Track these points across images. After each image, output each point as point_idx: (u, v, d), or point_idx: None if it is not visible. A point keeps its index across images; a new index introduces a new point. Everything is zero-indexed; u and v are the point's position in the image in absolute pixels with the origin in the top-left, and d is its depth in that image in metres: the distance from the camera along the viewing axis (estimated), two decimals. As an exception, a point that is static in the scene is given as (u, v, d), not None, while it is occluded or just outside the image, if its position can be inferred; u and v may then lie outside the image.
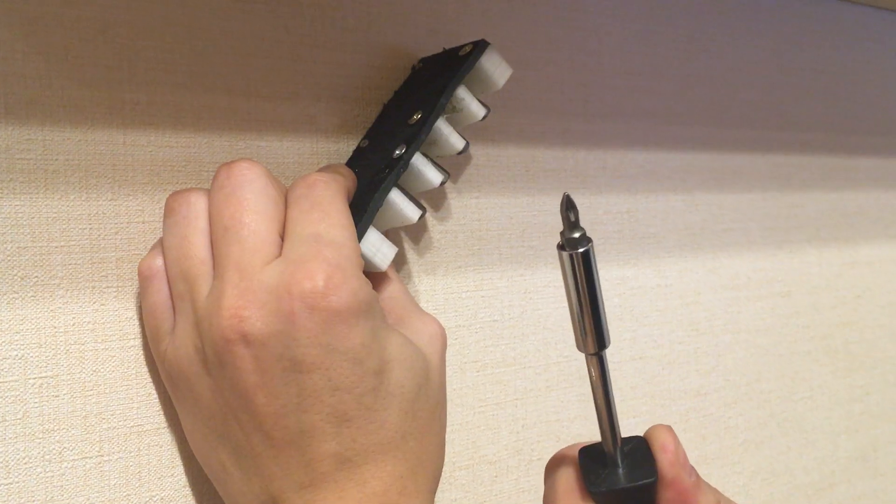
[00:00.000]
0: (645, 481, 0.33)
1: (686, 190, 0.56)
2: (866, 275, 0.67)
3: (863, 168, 0.67)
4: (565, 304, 0.49)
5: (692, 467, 0.33)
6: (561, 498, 0.34)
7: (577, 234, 0.30)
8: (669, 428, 0.34)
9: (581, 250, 0.30)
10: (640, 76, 0.54)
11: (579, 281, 0.30)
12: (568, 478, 0.34)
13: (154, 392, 0.37)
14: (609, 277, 0.52)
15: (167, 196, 0.35)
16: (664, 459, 0.33)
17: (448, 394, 0.45)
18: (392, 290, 0.37)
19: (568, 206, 0.30)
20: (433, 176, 0.38)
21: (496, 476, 0.46)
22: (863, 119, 0.68)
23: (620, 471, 0.33)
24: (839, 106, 0.66)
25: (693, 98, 0.56)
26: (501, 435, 0.47)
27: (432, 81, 0.40)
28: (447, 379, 0.44)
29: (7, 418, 0.34)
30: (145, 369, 0.37)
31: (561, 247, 0.30)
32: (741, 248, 0.59)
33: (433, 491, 0.34)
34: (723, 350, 0.57)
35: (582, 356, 0.48)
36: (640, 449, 0.34)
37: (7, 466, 0.33)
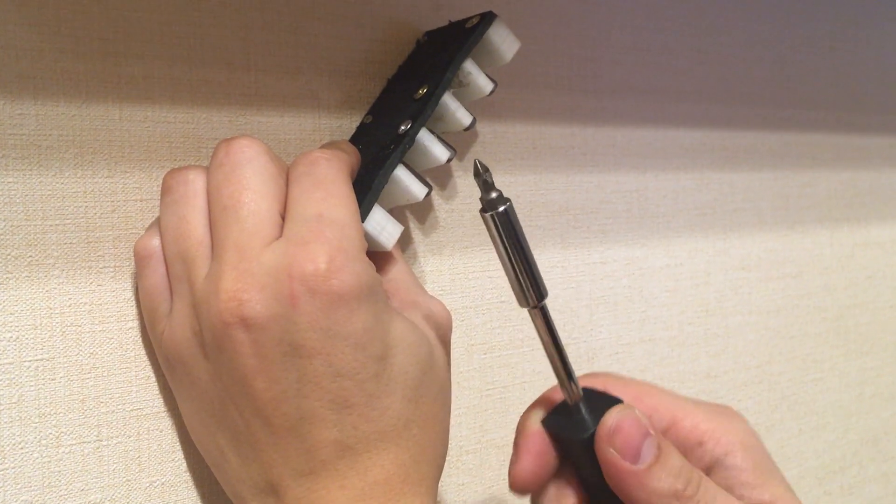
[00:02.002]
0: (578, 436, 0.33)
1: (696, 169, 0.55)
2: (878, 255, 0.66)
3: (875, 147, 0.66)
4: (574, 284, 0.48)
5: (650, 449, 0.32)
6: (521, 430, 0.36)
7: (494, 195, 0.31)
8: (623, 409, 0.33)
9: (501, 209, 0.31)
10: (651, 52, 0.52)
11: (506, 239, 0.31)
12: (536, 418, 0.36)
13: (153, 375, 0.36)
14: (618, 258, 0.51)
15: (164, 173, 0.34)
16: (599, 440, 0.33)
17: (455, 376, 0.44)
18: (396, 271, 0.36)
19: (482, 171, 0.31)
20: (440, 152, 0.37)
21: (503, 460, 0.46)
22: (875, 97, 0.66)
23: (576, 420, 0.34)
24: (851, 83, 0.65)
25: (704, 75, 0.55)
26: (509, 418, 0.46)
27: (438, 55, 0.39)
28: (453, 361, 0.44)
29: (2, 402, 0.33)
30: (144, 352, 0.36)
31: (483, 210, 0.31)
32: (752, 228, 0.58)
33: (437, 478, 0.33)
34: (733, 332, 0.56)
35: (595, 338, 0.48)
36: (606, 401, 0.34)
37: (3, 451, 0.33)
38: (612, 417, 0.32)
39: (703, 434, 0.35)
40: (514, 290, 0.33)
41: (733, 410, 0.37)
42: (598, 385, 0.36)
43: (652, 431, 0.32)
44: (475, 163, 0.31)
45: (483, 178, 0.31)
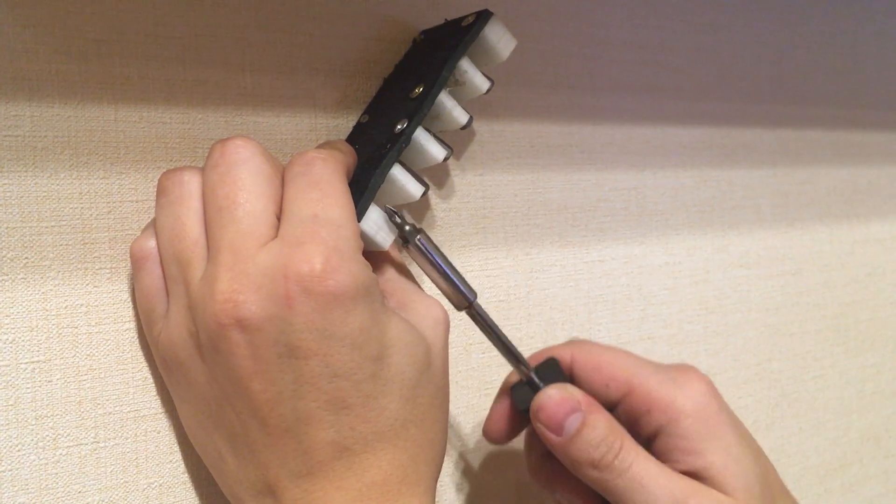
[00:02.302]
0: (522, 407, 0.39)
1: (695, 166, 0.55)
2: (878, 252, 0.66)
3: (874, 143, 0.66)
4: (572, 283, 0.48)
5: (573, 423, 0.36)
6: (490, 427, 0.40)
7: (408, 228, 0.35)
8: (552, 389, 0.37)
9: (418, 238, 0.35)
10: (649, 50, 0.52)
11: (428, 258, 0.36)
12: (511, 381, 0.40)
13: (150, 377, 0.36)
14: (616, 255, 0.51)
15: (160, 174, 0.34)
16: (531, 414, 0.38)
17: (453, 376, 0.44)
18: (393, 271, 0.36)
19: (392, 215, 0.35)
20: (436, 151, 0.37)
21: (502, 460, 0.46)
22: (874, 93, 0.66)
23: (526, 392, 0.39)
24: (850, 80, 0.64)
25: (702, 72, 0.55)
26: (507, 417, 0.46)
27: (434, 54, 0.39)
28: (452, 361, 0.44)
29: (-2, 404, 0.33)
30: (141, 353, 0.36)
31: (405, 243, 0.36)
32: (751, 225, 0.58)
33: (435, 478, 0.33)
34: (732, 329, 0.56)
35: (594, 336, 0.48)
36: (557, 368, 0.39)
37: (-1, 453, 0.33)
38: (539, 398, 0.37)
39: (651, 402, 0.37)
40: (449, 298, 0.37)
41: (693, 375, 0.38)
42: (568, 354, 0.40)
43: (581, 408, 0.36)
44: (385, 209, 0.35)
45: (394, 221, 0.35)
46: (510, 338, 0.39)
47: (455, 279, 0.36)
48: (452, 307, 0.37)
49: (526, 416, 0.39)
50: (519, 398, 0.39)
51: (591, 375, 0.38)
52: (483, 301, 0.45)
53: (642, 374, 0.38)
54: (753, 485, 0.36)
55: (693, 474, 0.36)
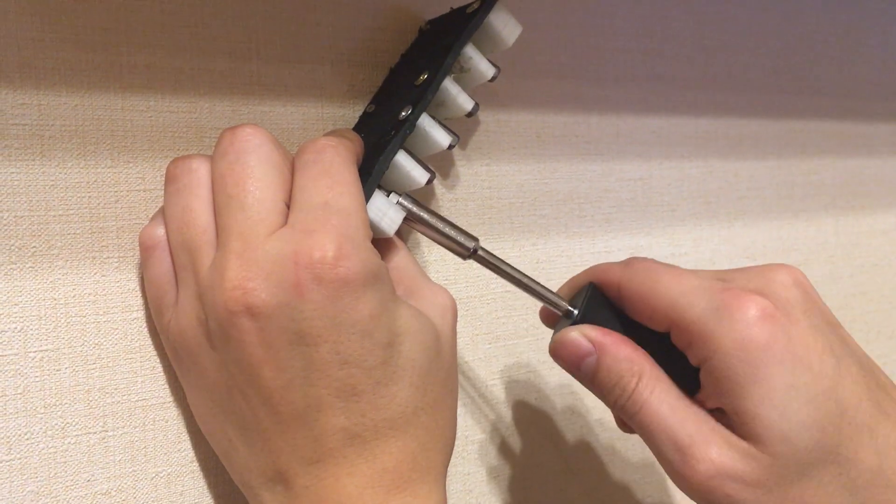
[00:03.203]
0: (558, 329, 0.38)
1: (701, 157, 0.55)
2: (884, 243, 0.66)
3: (880, 134, 0.66)
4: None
5: (588, 366, 0.36)
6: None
7: (395, 199, 0.35)
8: (565, 335, 0.36)
9: (397, 201, 0.35)
10: (655, 39, 0.52)
11: (419, 220, 0.36)
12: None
13: (159, 365, 0.36)
14: (622, 246, 0.50)
15: (168, 163, 0.34)
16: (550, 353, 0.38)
17: (460, 366, 0.44)
18: (400, 260, 0.36)
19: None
20: (441, 137, 0.37)
21: (510, 449, 0.46)
22: (881, 84, 0.66)
23: (568, 319, 0.38)
24: (857, 71, 0.64)
25: (708, 62, 0.55)
26: (514, 408, 0.46)
27: (439, 42, 0.38)
28: (459, 351, 0.44)
29: (7, 393, 0.33)
30: (149, 342, 0.36)
31: (401, 210, 0.35)
32: (757, 216, 0.58)
33: (445, 465, 0.33)
34: (738, 320, 0.56)
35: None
36: (592, 296, 0.38)
37: (9, 442, 0.33)
38: (554, 340, 0.37)
39: (691, 336, 0.34)
40: (450, 249, 0.36)
41: (745, 301, 0.33)
42: (614, 279, 0.37)
43: (594, 351, 0.36)
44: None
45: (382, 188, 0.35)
46: (529, 280, 0.38)
47: (450, 231, 0.36)
48: (457, 295, 0.37)
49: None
50: (555, 331, 0.39)
51: (636, 306, 0.36)
52: (490, 292, 0.45)
53: (684, 303, 0.34)
54: (799, 433, 0.32)
55: (723, 416, 0.34)
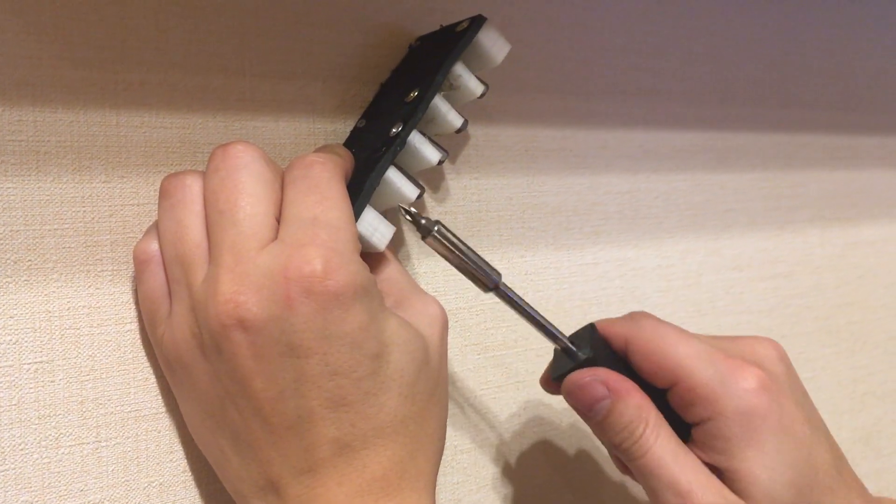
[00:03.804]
0: (560, 372, 0.39)
1: (688, 170, 0.55)
2: (869, 255, 0.67)
3: (865, 147, 0.67)
4: (566, 286, 0.49)
5: (601, 410, 0.37)
6: (542, 379, 0.42)
7: (423, 221, 0.35)
8: (585, 374, 0.38)
9: (436, 229, 0.35)
10: (642, 54, 0.53)
11: (451, 249, 0.36)
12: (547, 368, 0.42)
13: (152, 377, 0.36)
14: (610, 258, 0.51)
15: (162, 178, 0.35)
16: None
17: (450, 377, 0.44)
18: (390, 271, 0.37)
19: (406, 213, 0.36)
20: (431, 154, 0.37)
21: (498, 459, 0.46)
22: (865, 98, 0.67)
23: (572, 358, 0.39)
24: (842, 84, 0.65)
25: (695, 76, 0.56)
26: (504, 418, 0.46)
27: (429, 59, 0.39)
28: (448, 362, 0.44)
29: (2, 404, 0.33)
30: (142, 354, 0.36)
31: (424, 237, 0.36)
32: (743, 228, 0.58)
33: (434, 474, 0.33)
34: (726, 331, 0.57)
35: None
36: (595, 338, 0.39)
37: (3, 453, 0.33)
38: (569, 381, 0.38)
39: (695, 398, 0.37)
40: (474, 282, 0.37)
41: (747, 372, 0.37)
42: (623, 334, 0.39)
43: (609, 395, 0.37)
44: (399, 209, 0.36)
45: (408, 215, 0.36)
46: (543, 319, 0.39)
47: (479, 262, 0.37)
48: (447, 306, 0.37)
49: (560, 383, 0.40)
50: (555, 365, 0.40)
51: (642, 361, 0.38)
52: (479, 303, 0.46)
53: (692, 366, 0.37)
54: (781, 493, 0.36)
55: (717, 471, 0.37)
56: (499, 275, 0.37)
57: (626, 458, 0.37)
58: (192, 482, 0.37)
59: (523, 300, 0.38)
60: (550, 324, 0.39)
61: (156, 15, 0.36)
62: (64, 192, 0.35)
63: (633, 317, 0.40)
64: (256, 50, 0.39)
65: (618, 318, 0.41)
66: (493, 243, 0.46)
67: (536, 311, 0.39)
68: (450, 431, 0.44)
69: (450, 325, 0.44)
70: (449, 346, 0.44)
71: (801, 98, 0.62)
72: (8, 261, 0.34)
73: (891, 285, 0.68)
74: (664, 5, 0.54)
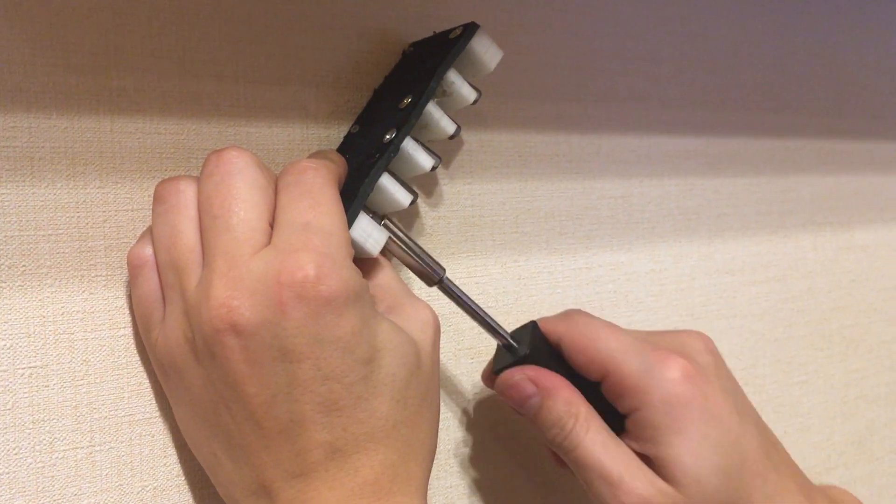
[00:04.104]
0: (499, 366, 0.40)
1: (681, 175, 0.56)
2: (861, 259, 0.67)
3: (857, 152, 0.67)
4: (560, 290, 0.49)
5: (532, 406, 0.39)
6: (483, 375, 0.43)
7: (371, 216, 0.36)
8: (515, 373, 0.39)
9: (382, 223, 0.37)
10: (634, 60, 0.53)
11: (396, 243, 0.37)
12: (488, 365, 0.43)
13: (146, 381, 0.36)
14: (603, 263, 0.51)
15: (156, 184, 0.35)
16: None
17: (442, 381, 0.44)
18: (383, 276, 0.37)
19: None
20: (424, 160, 0.38)
21: (491, 463, 0.46)
22: (858, 103, 0.67)
23: (512, 353, 0.40)
24: (834, 89, 0.66)
25: (688, 82, 0.56)
26: (497, 422, 0.47)
27: (423, 65, 0.39)
28: (441, 366, 0.44)
29: (-4, 409, 0.33)
30: (136, 358, 0.36)
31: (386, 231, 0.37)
32: (736, 232, 0.59)
33: (426, 477, 0.34)
34: (718, 335, 0.57)
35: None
36: (536, 335, 0.41)
37: (-3, 457, 0.33)
38: (502, 379, 0.40)
39: (623, 389, 0.38)
40: (420, 276, 0.39)
41: (672, 362, 0.39)
42: (557, 329, 0.41)
43: (538, 392, 0.39)
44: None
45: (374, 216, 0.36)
46: (485, 315, 0.40)
47: (424, 257, 0.38)
48: (440, 311, 0.38)
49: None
50: (497, 360, 0.41)
51: (575, 355, 0.40)
52: (472, 307, 0.46)
53: (620, 359, 0.39)
54: (708, 477, 0.37)
55: (648, 459, 0.38)
56: (443, 269, 0.38)
57: (560, 452, 0.39)
58: (186, 486, 0.37)
59: (467, 296, 0.40)
60: (493, 320, 0.40)
61: (150, 21, 0.37)
62: (58, 197, 0.35)
63: (569, 314, 0.42)
64: (250, 56, 0.39)
65: (555, 316, 0.42)
66: (487, 248, 0.46)
67: (480, 308, 0.40)
68: (443, 435, 0.45)
69: (443, 330, 0.44)
70: (442, 351, 0.44)
71: (793, 103, 0.63)
72: (2, 266, 0.34)
73: (883, 289, 0.68)
74: (656, 11, 0.55)
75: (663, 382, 0.38)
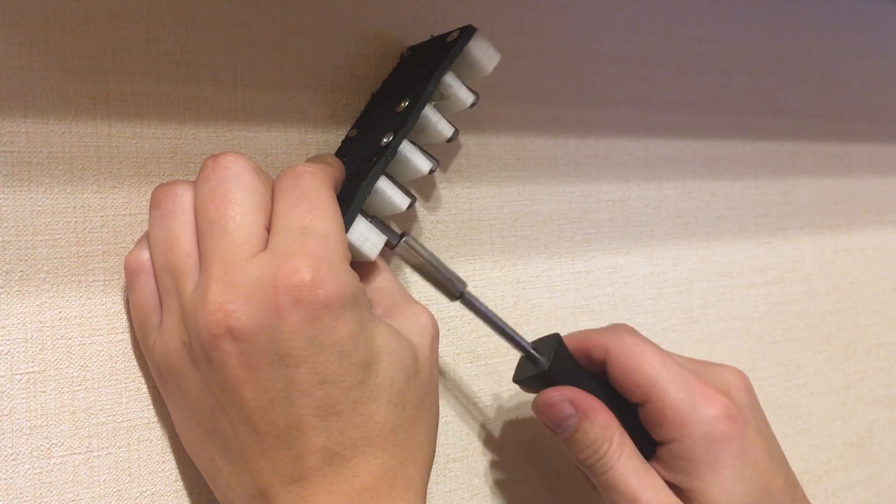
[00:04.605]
0: (521, 377, 0.41)
1: (679, 178, 0.56)
2: (860, 261, 0.67)
3: (855, 155, 0.67)
4: (558, 293, 0.49)
5: (568, 427, 0.39)
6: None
7: (399, 232, 0.38)
8: (554, 392, 0.40)
9: (404, 239, 0.38)
10: (632, 63, 0.53)
11: (418, 258, 0.38)
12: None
13: (143, 387, 0.36)
14: (601, 266, 0.51)
15: (153, 188, 0.35)
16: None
17: (442, 385, 0.44)
18: (381, 280, 0.37)
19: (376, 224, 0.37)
20: (421, 163, 0.38)
21: (491, 467, 0.46)
22: (855, 106, 0.67)
23: (534, 365, 0.40)
24: (832, 92, 0.66)
25: (685, 85, 0.56)
26: (496, 426, 0.47)
27: (420, 69, 0.39)
28: (441, 370, 0.44)
29: (-7, 414, 0.33)
30: (134, 364, 0.36)
31: (392, 247, 0.38)
32: (734, 235, 0.59)
33: (425, 482, 0.34)
34: (717, 338, 0.57)
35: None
36: (559, 349, 0.41)
37: (-6, 463, 0.33)
38: (540, 398, 0.40)
39: (664, 418, 0.39)
40: (441, 290, 0.39)
41: (716, 400, 0.39)
42: (604, 347, 0.41)
43: (576, 413, 0.39)
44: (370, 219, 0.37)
45: (382, 225, 0.37)
46: (506, 327, 0.40)
47: (445, 272, 0.38)
48: (438, 314, 0.38)
49: (523, 386, 0.42)
50: (519, 370, 0.42)
51: (620, 375, 0.40)
52: (471, 312, 0.46)
53: (664, 387, 0.39)
54: None
55: (678, 489, 0.39)
56: (464, 284, 0.39)
57: (591, 474, 0.39)
58: (184, 491, 0.37)
59: (489, 309, 0.40)
60: (515, 332, 0.40)
61: (147, 25, 0.37)
62: (56, 202, 0.35)
63: (616, 329, 0.42)
64: (248, 60, 0.39)
65: (601, 329, 0.42)
66: (485, 252, 0.46)
67: (501, 320, 0.40)
68: (442, 440, 0.45)
69: (442, 334, 0.44)
70: (441, 355, 0.44)
71: (791, 106, 0.63)
72: (0, 271, 0.34)
73: (881, 291, 0.68)
74: (654, 15, 0.55)
75: (706, 419, 0.39)
